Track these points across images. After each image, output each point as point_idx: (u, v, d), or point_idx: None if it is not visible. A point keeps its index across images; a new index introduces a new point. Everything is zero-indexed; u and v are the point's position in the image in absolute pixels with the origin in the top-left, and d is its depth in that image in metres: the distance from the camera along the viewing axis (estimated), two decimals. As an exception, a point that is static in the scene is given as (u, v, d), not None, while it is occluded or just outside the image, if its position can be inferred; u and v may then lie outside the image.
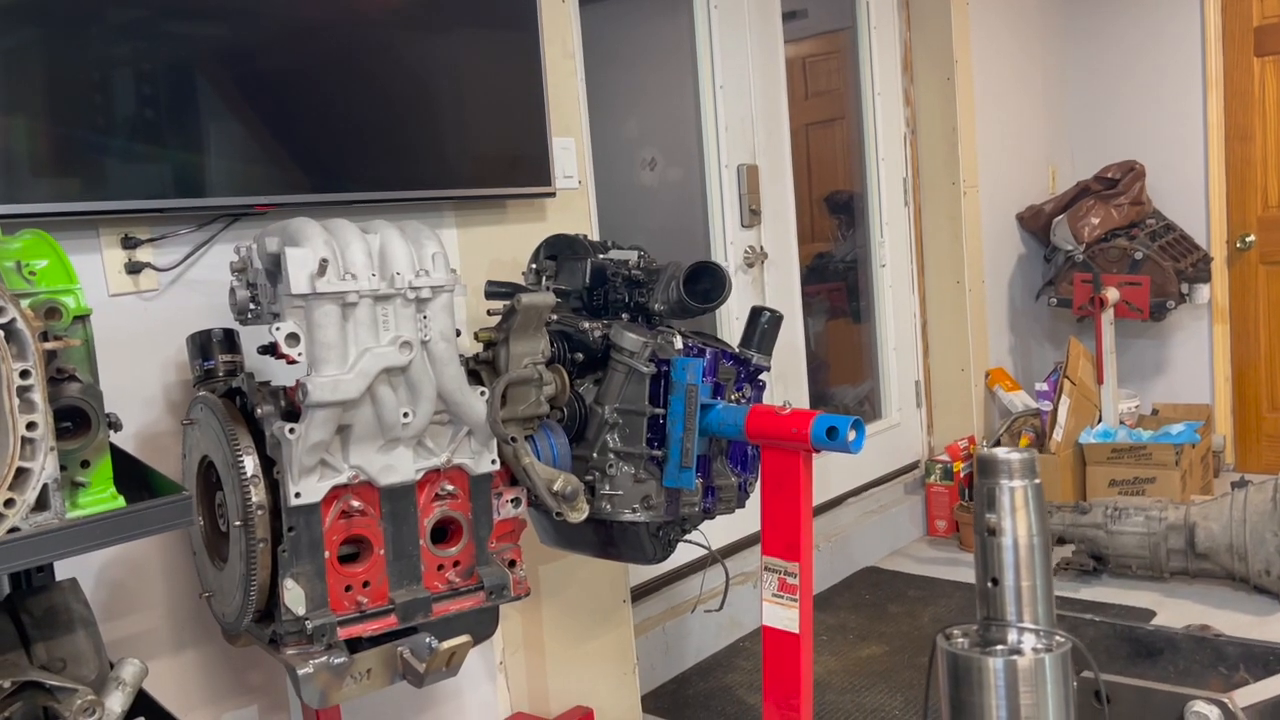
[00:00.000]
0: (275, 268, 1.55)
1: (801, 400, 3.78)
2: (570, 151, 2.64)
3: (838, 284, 4.58)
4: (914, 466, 4.39)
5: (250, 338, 1.81)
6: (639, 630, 2.97)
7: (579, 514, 1.82)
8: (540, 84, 2.45)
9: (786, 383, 3.72)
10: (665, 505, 2.03)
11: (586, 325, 2.06)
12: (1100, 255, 4.37)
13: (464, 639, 1.55)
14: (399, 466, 1.57)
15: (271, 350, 1.50)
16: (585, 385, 2.07)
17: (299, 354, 1.45)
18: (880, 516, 4.12)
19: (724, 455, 2.15)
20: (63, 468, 1.28)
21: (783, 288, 3.70)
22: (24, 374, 1.19)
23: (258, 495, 1.48)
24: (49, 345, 1.24)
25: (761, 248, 3.59)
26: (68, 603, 1.49)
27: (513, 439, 1.65)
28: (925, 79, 4.32)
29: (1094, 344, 4.25)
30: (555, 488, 1.74)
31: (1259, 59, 4.58)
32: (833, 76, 4.48)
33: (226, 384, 1.62)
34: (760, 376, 2.20)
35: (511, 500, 1.75)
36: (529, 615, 2.57)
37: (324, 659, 1.51)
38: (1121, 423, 4.21)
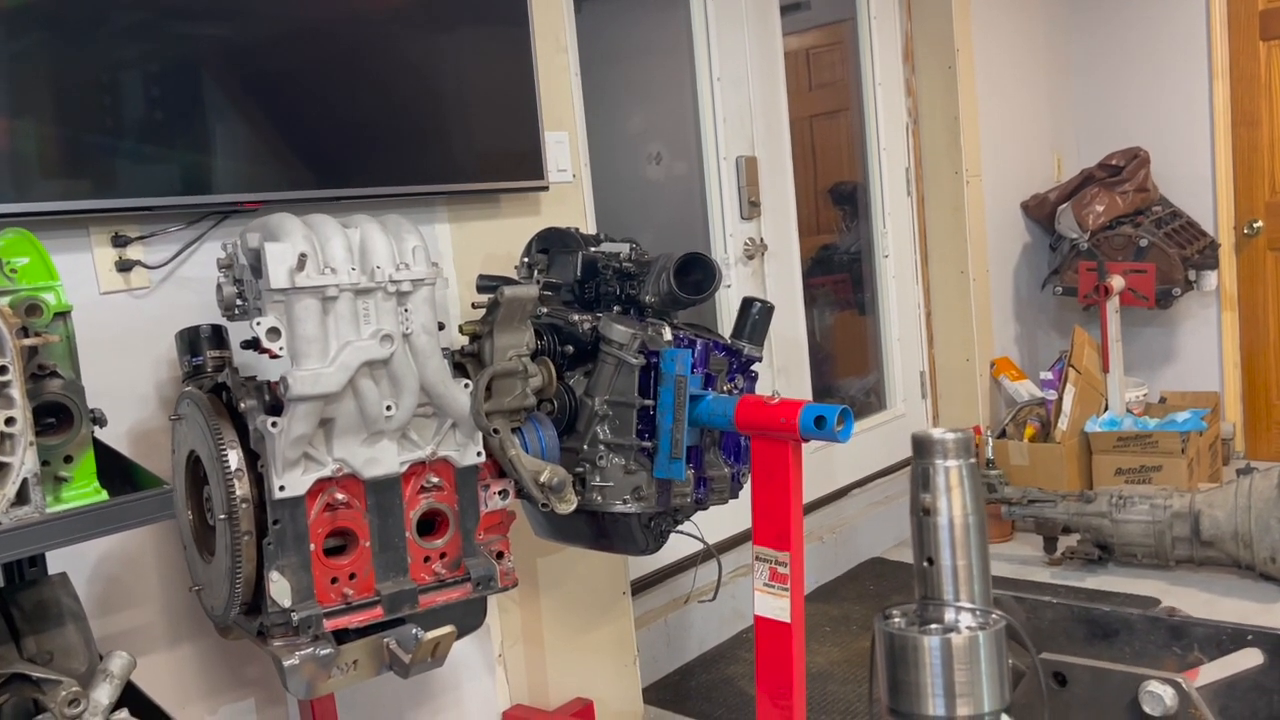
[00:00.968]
0: (257, 263, 1.56)
1: (805, 394, 3.78)
2: (564, 145, 2.65)
3: (842, 276, 4.57)
4: (920, 457, 4.37)
5: (239, 334, 1.82)
6: (641, 622, 2.98)
7: (566, 505, 1.83)
8: (532, 78, 2.46)
9: (789, 375, 3.72)
10: (656, 496, 2.03)
11: (576, 318, 2.06)
12: (1105, 243, 4.34)
13: (448, 629, 1.56)
14: (383, 459, 1.58)
15: (254, 345, 1.51)
16: (575, 378, 2.07)
17: (280, 348, 1.46)
18: (885, 508, 4.11)
19: (717, 446, 2.15)
20: (45, 463, 1.30)
21: (783, 280, 3.70)
22: (1, 370, 1.20)
23: (242, 489, 1.50)
24: (28, 341, 1.26)
25: (762, 240, 3.59)
26: (57, 597, 1.51)
27: (496, 430, 1.66)
28: (926, 68, 4.31)
29: (1100, 332, 4.23)
30: (542, 479, 1.75)
31: (1265, 43, 4.53)
32: (836, 68, 4.47)
33: (213, 379, 1.63)
34: (752, 367, 2.20)
35: (499, 492, 1.75)
36: (528, 608, 2.58)
37: (310, 650, 1.52)
38: (1128, 411, 4.18)
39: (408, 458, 1.61)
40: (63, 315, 1.35)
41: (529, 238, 2.30)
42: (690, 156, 3.55)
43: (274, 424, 1.47)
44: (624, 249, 2.24)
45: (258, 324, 1.45)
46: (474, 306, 1.90)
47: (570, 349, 2.05)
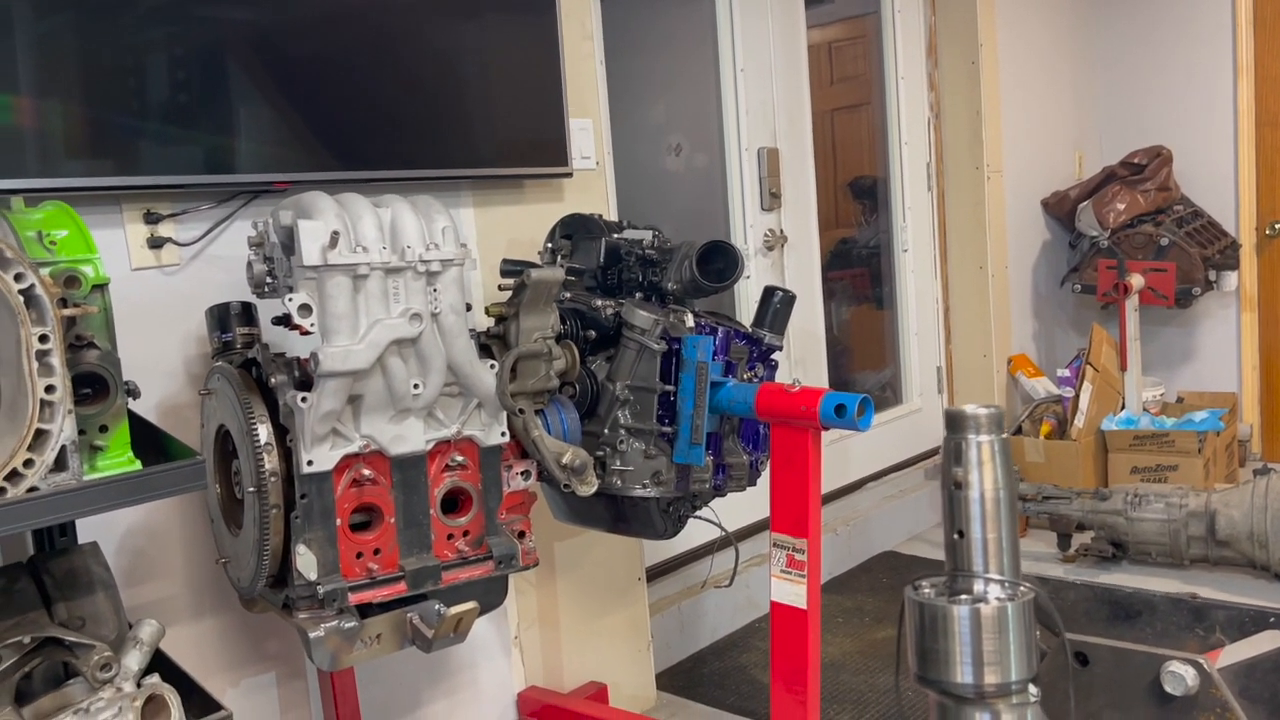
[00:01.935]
0: (289, 241, 1.58)
1: (821, 386, 3.78)
2: (588, 133, 2.66)
3: (861, 269, 4.57)
4: (934, 452, 4.37)
5: (268, 311, 1.85)
6: (655, 609, 3.00)
7: (588, 488, 1.85)
8: (558, 65, 2.47)
9: (806, 367, 3.73)
10: (675, 481, 2.05)
11: (599, 303, 2.08)
12: (1126, 241, 4.33)
13: (470, 605, 1.58)
14: (409, 436, 1.60)
15: (285, 321, 1.54)
16: (597, 362, 2.09)
17: (311, 324, 1.48)
18: (899, 501, 4.12)
19: (736, 433, 2.17)
20: (81, 432, 1.32)
21: (803, 271, 3.70)
22: (43, 339, 1.23)
23: (271, 462, 1.52)
24: (68, 312, 1.28)
25: (781, 231, 3.60)
26: (88, 565, 1.54)
27: (521, 411, 1.68)
28: (950, 63, 4.30)
29: (1118, 331, 4.22)
30: (564, 461, 1.77)
31: (1291, 43, 4.51)
32: (858, 62, 4.46)
33: (243, 355, 1.65)
34: (773, 356, 2.21)
35: (521, 473, 1.77)
36: (544, 591, 2.60)
37: (335, 623, 1.55)
38: (1145, 410, 4.18)
39: (433, 436, 1.63)
40: (100, 288, 1.37)
41: (551, 223, 2.31)
42: (710, 148, 3.56)
43: (304, 399, 1.49)
44: (647, 236, 2.25)
45: (289, 300, 1.47)
46: (500, 289, 1.92)
47: (592, 334, 2.07)
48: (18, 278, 1.20)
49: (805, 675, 2.02)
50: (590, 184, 2.68)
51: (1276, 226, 4.60)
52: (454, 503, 1.70)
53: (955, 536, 0.70)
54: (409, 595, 1.62)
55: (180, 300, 1.96)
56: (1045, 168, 4.69)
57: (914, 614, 0.70)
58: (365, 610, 1.61)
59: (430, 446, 1.63)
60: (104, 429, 1.37)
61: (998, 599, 0.69)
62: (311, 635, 1.53)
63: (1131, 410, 4.15)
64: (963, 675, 0.69)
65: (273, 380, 1.54)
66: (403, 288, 1.54)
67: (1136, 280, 4.18)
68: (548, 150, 2.50)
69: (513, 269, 2.19)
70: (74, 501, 1.24)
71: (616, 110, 3.03)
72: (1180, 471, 3.83)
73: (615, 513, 2.16)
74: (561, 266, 2.20)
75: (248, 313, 1.80)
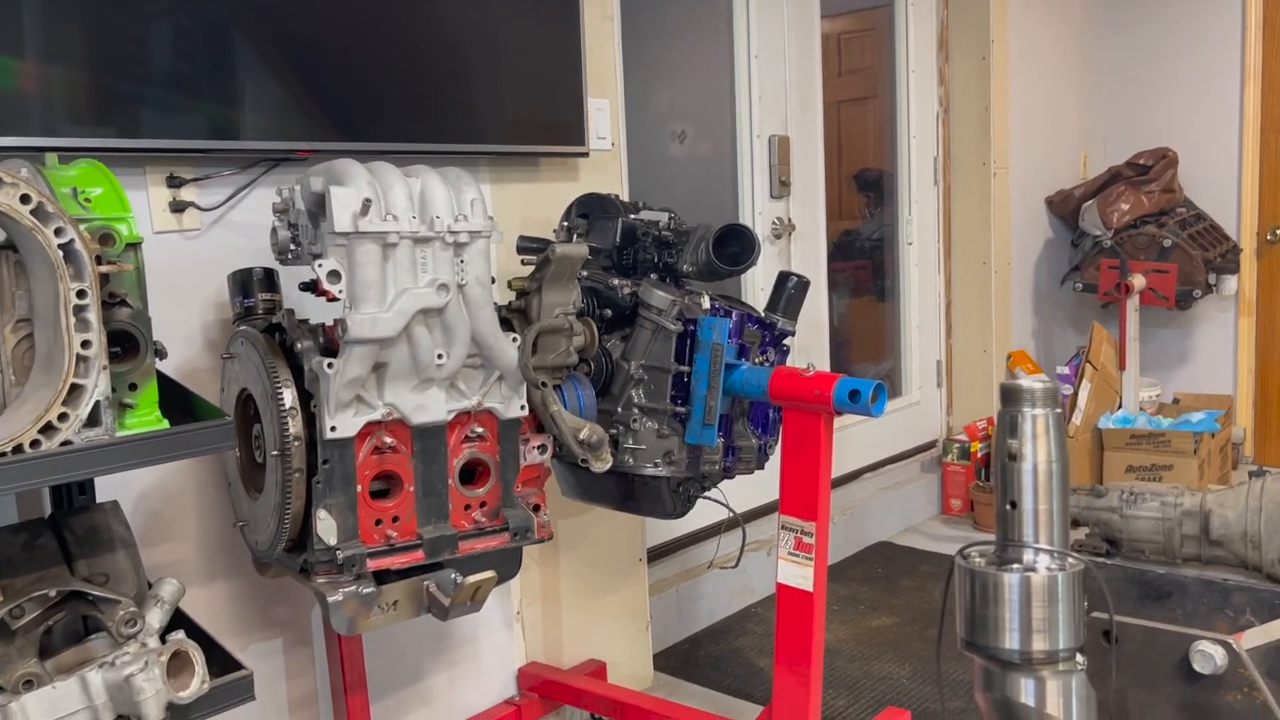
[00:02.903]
0: (318, 207, 1.59)
1: (824, 373, 3.80)
2: (605, 113, 2.67)
3: (863, 262, 4.59)
4: (932, 445, 4.41)
5: (289, 278, 1.85)
6: (653, 591, 3.02)
7: (603, 464, 1.86)
8: (578, 44, 2.48)
9: (809, 356, 3.74)
10: (686, 461, 2.07)
11: (616, 282, 2.09)
12: (1128, 242, 4.36)
13: (489, 574, 1.60)
14: (431, 406, 1.61)
15: (312, 287, 1.54)
16: (612, 341, 2.10)
17: (340, 291, 1.49)
18: (896, 492, 4.15)
19: (745, 417, 2.18)
20: (111, 389, 1.33)
21: (809, 260, 3.72)
22: (80, 294, 1.23)
23: (295, 426, 1.53)
24: (104, 268, 1.28)
25: (790, 219, 3.61)
26: (109, 523, 1.55)
27: (544, 384, 1.69)
28: (960, 58, 4.31)
29: (1118, 330, 4.25)
30: (581, 436, 1.78)
31: (1299, 50, 4.54)
32: (867, 54, 4.47)
33: (266, 321, 1.66)
34: (785, 341, 2.23)
35: (538, 447, 1.79)
36: (546, 568, 2.62)
37: (353, 588, 1.56)
38: (1142, 409, 4.21)
39: (455, 407, 1.64)
40: (133, 246, 1.37)
41: (566, 203, 2.32)
42: (716, 136, 3.56)
43: (330, 365, 1.50)
44: (663, 218, 2.26)
45: (319, 265, 1.48)
46: (523, 264, 1.93)
47: (608, 313, 2.08)
48: (58, 232, 1.21)
49: (809, 657, 2.05)
50: (605, 165, 2.68)
51: (1278, 233, 4.63)
52: (472, 474, 1.71)
53: (1008, 507, 0.72)
54: (426, 563, 1.64)
55: (200, 265, 1.96)
56: (1050, 166, 4.72)
57: (964, 581, 0.72)
58: (382, 577, 1.62)
59: (451, 417, 1.65)
60: (133, 387, 1.37)
61: (1048, 569, 0.70)
62: (330, 599, 1.54)
63: (1129, 409, 4.18)
64: (1011, 641, 0.71)
65: (298, 345, 1.55)
66: (430, 258, 1.55)
67: (1138, 280, 4.21)
68: (565, 129, 2.51)
69: (529, 246, 2.20)
70: (107, 456, 1.25)
71: (628, 95, 3.02)
72: (1175, 471, 3.87)
73: (625, 491, 2.18)
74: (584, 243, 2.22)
75: (270, 279, 1.80)
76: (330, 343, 1.58)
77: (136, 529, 1.90)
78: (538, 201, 2.52)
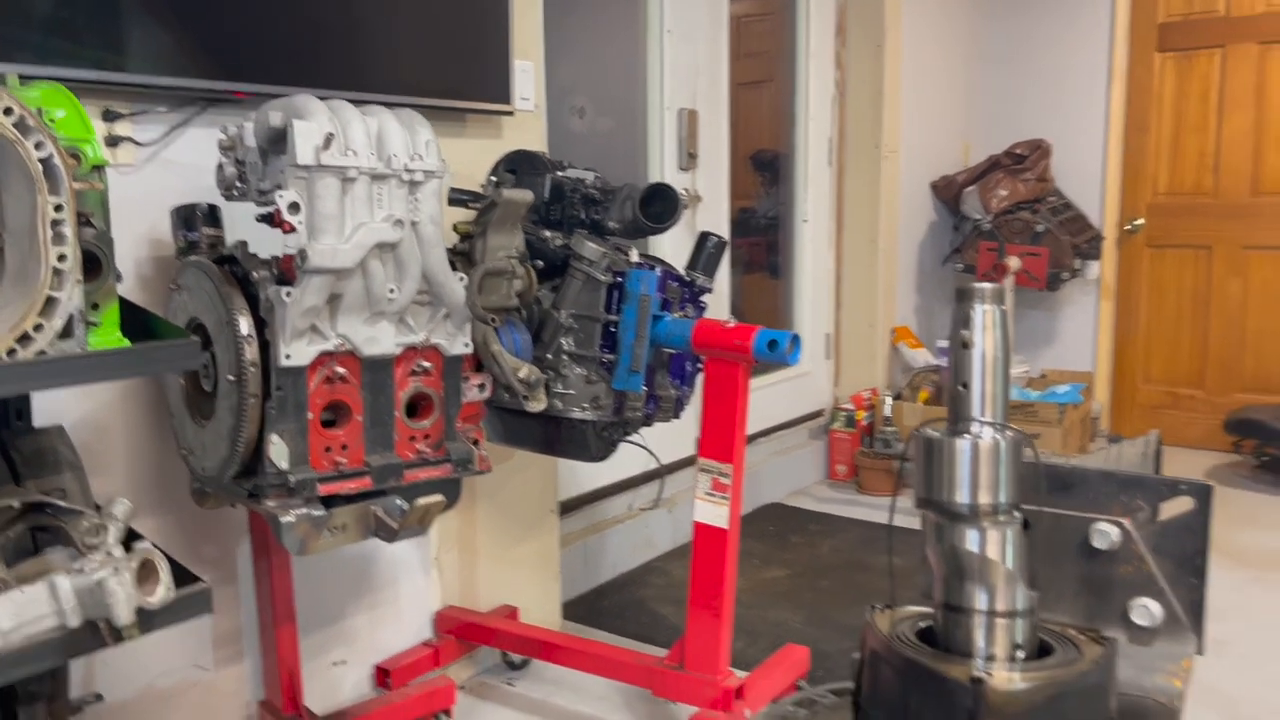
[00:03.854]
0: (270, 142, 1.63)
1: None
2: (529, 75, 2.74)
3: (758, 239, 4.77)
4: (819, 414, 4.62)
5: (234, 214, 1.88)
6: (561, 544, 3.12)
7: (539, 404, 1.96)
8: (507, 5, 2.54)
9: (709, 323, 3.89)
10: (612, 407, 2.18)
11: (547, 234, 2.18)
12: (1005, 226, 4.65)
13: (438, 497, 1.68)
14: (381, 339, 1.68)
15: (269, 219, 1.59)
16: (542, 291, 2.19)
17: (299, 222, 1.54)
18: (785, 458, 4.34)
19: (665, 369, 2.30)
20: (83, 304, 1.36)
21: (714, 230, 3.84)
22: (57, 208, 1.26)
23: (252, 353, 1.57)
24: (78, 185, 1.31)
25: (696, 191, 3.74)
26: (55, 445, 1.56)
27: (492, 319, 1.77)
28: (857, 45, 4.51)
29: (993, 309, 4.53)
30: (521, 375, 1.87)
31: (1160, 54, 4.91)
32: (764, 39, 4.64)
33: (217, 253, 1.69)
34: (702, 298, 2.35)
35: (478, 385, 1.86)
36: (463, 516, 2.69)
37: (305, 511, 1.61)
38: (1014, 382, 4.51)
39: (403, 341, 1.71)
40: (98, 169, 1.40)
41: (491, 159, 2.39)
42: (617, 112, 3.65)
43: (287, 293, 1.55)
44: (589, 176, 2.35)
45: (280, 196, 1.52)
46: (470, 208, 2.00)
47: (540, 264, 2.17)
48: (38, 146, 1.23)
49: (721, 590, 2.19)
50: (528, 125, 2.76)
51: (1136, 223, 5.01)
52: (416, 407, 1.78)
53: (960, 388, 0.85)
54: (373, 490, 1.70)
55: (133, 202, 1.96)
56: (936, 152, 4.98)
57: (922, 448, 0.85)
58: (329, 502, 1.68)
59: (400, 351, 1.71)
60: (95, 306, 1.40)
61: (993, 437, 0.83)
62: (283, 520, 1.59)
63: (1001, 383, 4.47)
64: (961, 496, 0.83)
65: (255, 275, 1.59)
66: (386, 195, 1.61)
67: (1014, 262, 4.50)
68: (492, 87, 2.57)
69: (460, 198, 2.26)
70: (80, 368, 1.28)
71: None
72: (1042, 440, 4.17)
73: (550, 434, 2.27)
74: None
75: (214, 214, 1.83)
76: (284, 274, 1.62)
77: (67, 461, 1.90)
78: (462, 157, 2.57)
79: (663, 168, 3.63)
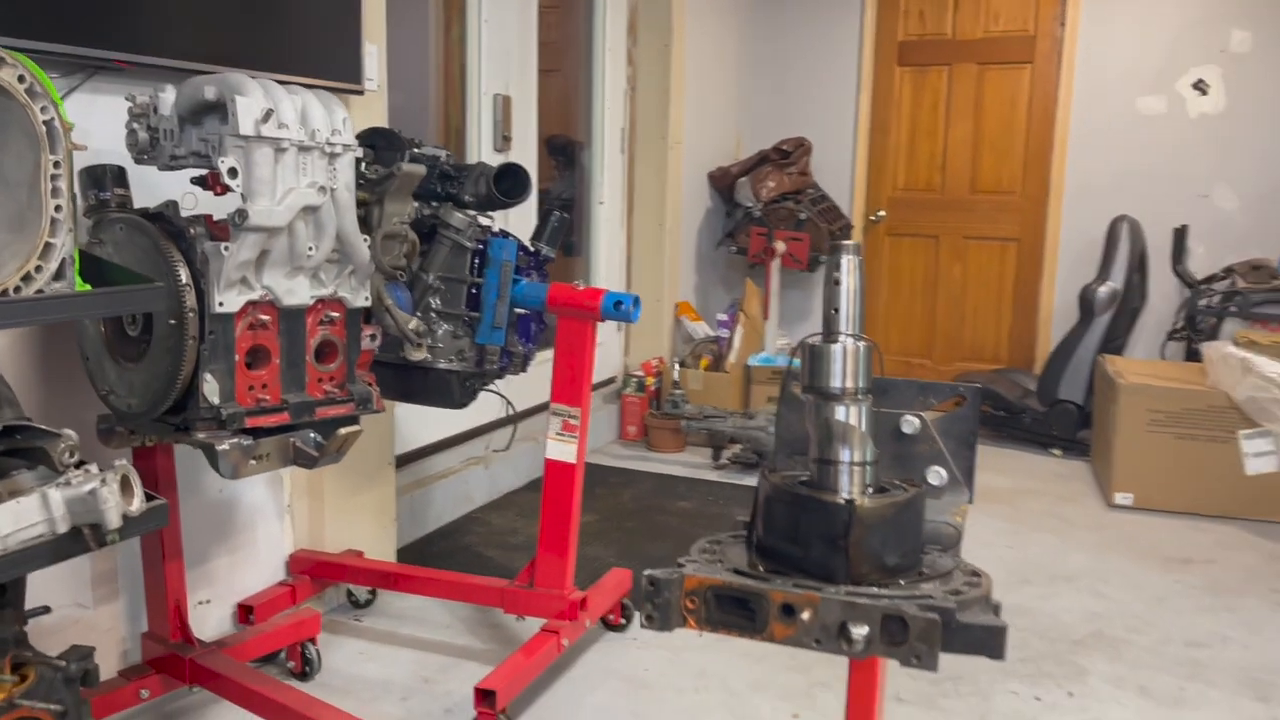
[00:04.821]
0: (195, 114, 1.82)
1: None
2: (375, 57, 2.96)
3: (553, 219, 5.10)
4: (612, 380, 5.04)
5: (141, 176, 2.03)
6: (393, 494, 3.36)
7: (421, 353, 2.23)
8: (359, -10, 2.76)
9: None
10: (475, 359, 2.48)
11: (415, 204, 2.44)
12: (773, 214, 5.24)
13: (357, 428, 1.93)
14: (299, 291, 1.90)
15: (203, 182, 1.78)
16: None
17: (237, 185, 1.75)
18: (583, 420, 4.72)
19: (514, 329, 2.62)
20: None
21: (525, 211, 4.16)
22: (56, 165, 1.43)
23: (191, 300, 1.76)
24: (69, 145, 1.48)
25: (509, 171, 4.04)
26: (-5, 384, 1.69)
27: (398, 274, 2.02)
28: (647, 43, 4.94)
29: (764, 287, 5.11)
30: (411, 326, 2.14)
31: (900, 68, 5.66)
32: (553, 30, 4.97)
33: (145, 210, 1.86)
34: (546, 266, 2.68)
35: (370, 335, 2.12)
36: (314, 466, 2.89)
37: (235, 440, 1.82)
38: (780, 351, 5.11)
39: (316, 293, 1.94)
40: (67, 131, 1.56)
41: (348, 135, 2.61)
42: (411, 90, 3.87)
43: (225, 248, 1.76)
44: (442, 153, 2.63)
45: (221, 163, 1.73)
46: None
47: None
48: (43, 109, 1.40)
49: (569, 518, 2.55)
50: (374, 105, 2.97)
51: (879, 215, 5.75)
52: (322, 352, 2.01)
53: (832, 311, 1.21)
54: (290, 424, 1.93)
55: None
56: (713, 145, 5.51)
57: (806, 353, 1.22)
58: (253, 434, 1.89)
59: (312, 302, 1.94)
60: (61, 255, 1.57)
61: (854, 343, 1.22)
62: (219, 448, 1.80)
63: (769, 351, 5.06)
64: (835, 382, 1.21)
65: (191, 230, 1.78)
66: (310, 164, 1.84)
67: (780, 246, 5.09)
68: (344, 68, 2.78)
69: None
70: (73, 305, 1.46)
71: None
72: (805, 400, 4.77)
73: (410, 385, 2.54)
74: (375, 173, 2.52)
75: (122, 175, 1.97)
76: (214, 233, 1.82)
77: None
78: (318, 131, 2.77)
79: (479, 149, 3.91)
